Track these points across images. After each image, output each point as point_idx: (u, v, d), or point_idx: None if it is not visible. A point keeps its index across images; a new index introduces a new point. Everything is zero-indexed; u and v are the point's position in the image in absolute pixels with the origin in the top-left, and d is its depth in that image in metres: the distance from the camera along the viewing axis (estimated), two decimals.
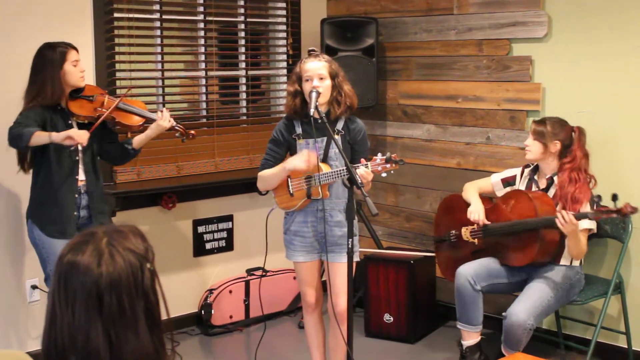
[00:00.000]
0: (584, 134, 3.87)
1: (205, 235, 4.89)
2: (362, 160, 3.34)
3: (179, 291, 4.69)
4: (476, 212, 3.93)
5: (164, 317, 1.49)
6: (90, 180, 3.73)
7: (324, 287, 3.67)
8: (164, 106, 4.51)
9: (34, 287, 4.17)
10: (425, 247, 5.00)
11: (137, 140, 3.85)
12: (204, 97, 4.96)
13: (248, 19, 5.07)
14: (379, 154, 3.32)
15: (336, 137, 3.49)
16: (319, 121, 3.38)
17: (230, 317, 4.82)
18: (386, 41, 5.12)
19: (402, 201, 5.17)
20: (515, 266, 3.88)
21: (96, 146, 3.79)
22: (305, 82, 3.45)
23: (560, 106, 4.28)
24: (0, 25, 3.97)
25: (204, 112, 4.95)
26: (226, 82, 5.20)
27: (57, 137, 3.47)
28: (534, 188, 3.93)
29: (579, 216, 3.57)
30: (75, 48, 3.69)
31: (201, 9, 4.83)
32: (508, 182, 4.07)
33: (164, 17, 4.66)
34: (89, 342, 1.38)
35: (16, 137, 3.47)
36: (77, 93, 3.73)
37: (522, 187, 3.99)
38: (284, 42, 5.27)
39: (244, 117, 5.15)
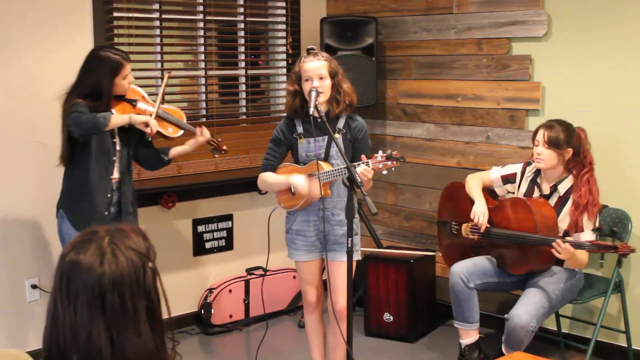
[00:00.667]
0: (587, 138, 3.84)
1: (205, 235, 4.89)
2: (363, 157, 3.34)
3: (178, 290, 4.69)
4: (479, 213, 3.89)
5: (165, 316, 1.50)
6: (123, 179, 3.79)
7: (325, 287, 3.68)
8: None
9: (33, 286, 4.17)
10: (425, 246, 5.00)
11: (174, 151, 3.94)
12: (203, 97, 4.95)
13: (248, 18, 5.07)
14: (380, 151, 3.32)
15: (337, 135, 3.49)
16: (319, 120, 3.38)
17: (230, 316, 4.83)
18: (386, 40, 5.12)
19: (402, 200, 5.17)
20: (511, 273, 3.89)
21: (132, 148, 3.84)
22: (305, 82, 3.45)
23: (559, 105, 4.28)
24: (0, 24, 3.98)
25: (204, 112, 4.94)
26: (226, 81, 5.20)
27: (136, 119, 3.64)
28: (536, 192, 3.89)
29: (576, 246, 3.57)
30: (130, 60, 3.72)
31: (201, 8, 4.83)
32: (508, 179, 4.04)
33: (163, 16, 4.66)
34: (90, 340, 1.38)
35: (93, 122, 3.51)
36: (121, 96, 3.77)
37: (523, 188, 3.96)
38: (283, 41, 5.27)
39: (244, 117, 5.15)
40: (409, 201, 5.13)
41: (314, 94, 3.38)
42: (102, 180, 3.69)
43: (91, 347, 1.38)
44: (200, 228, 4.87)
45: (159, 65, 4.66)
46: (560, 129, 3.76)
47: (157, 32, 4.66)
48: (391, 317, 4.60)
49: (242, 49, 5.10)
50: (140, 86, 4.56)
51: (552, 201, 3.81)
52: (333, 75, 3.47)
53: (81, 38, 4.22)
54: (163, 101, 3.91)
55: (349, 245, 3.22)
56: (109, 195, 3.73)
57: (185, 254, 4.82)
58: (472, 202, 4.00)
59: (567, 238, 3.62)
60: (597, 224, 3.73)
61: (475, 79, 4.67)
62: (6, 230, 4.08)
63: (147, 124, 3.64)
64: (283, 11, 5.22)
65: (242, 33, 5.08)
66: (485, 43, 4.61)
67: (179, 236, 4.78)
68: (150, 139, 3.85)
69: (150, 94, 3.98)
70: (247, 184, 4.98)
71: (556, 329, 4.38)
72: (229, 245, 5.00)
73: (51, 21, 4.11)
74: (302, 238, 3.58)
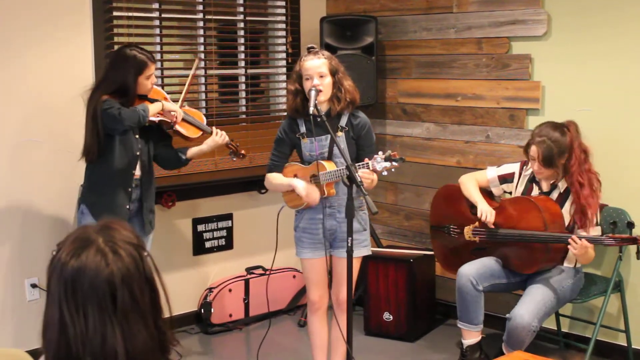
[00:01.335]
0: (578, 129, 3.80)
1: (204, 234, 4.89)
2: (365, 159, 3.34)
3: (178, 290, 4.69)
4: (487, 211, 3.86)
5: (166, 314, 1.51)
6: (144, 176, 3.85)
7: (330, 286, 3.70)
8: None
9: (33, 285, 4.17)
10: (425, 245, 4.99)
11: (192, 151, 3.98)
12: (203, 96, 4.95)
13: (247, 18, 5.07)
14: (380, 152, 3.32)
15: (340, 133, 3.50)
16: (318, 120, 3.39)
17: (230, 315, 4.83)
18: (385, 40, 5.11)
19: (402, 200, 5.17)
20: (519, 272, 3.88)
21: (152, 146, 3.90)
22: (306, 81, 3.45)
23: (559, 105, 4.28)
24: None
25: (204, 111, 4.94)
26: (225, 80, 5.20)
27: (168, 106, 3.79)
28: (535, 190, 3.89)
29: (593, 241, 3.57)
30: (155, 61, 3.81)
31: (200, 7, 4.82)
32: (505, 179, 4.03)
33: (163, 15, 4.65)
34: (105, 343, 1.39)
35: (135, 115, 3.61)
36: (143, 95, 3.84)
37: (521, 187, 3.95)
38: (283, 40, 5.26)
39: (244, 116, 5.15)
40: (408, 200, 5.13)
41: (313, 92, 3.38)
42: (125, 176, 3.77)
43: (106, 350, 1.39)
44: (200, 227, 4.87)
45: (158, 65, 4.65)
46: (552, 144, 3.71)
47: (157, 31, 4.66)
48: (391, 317, 4.60)
49: (242, 48, 5.09)
50: None
51: (553, 197, 3.82)
52: (334, 73, 3.48)
53: (81, 38, 4.22)
54: (184, 104, 4.03)
55: (349, 244, 3.25)
56: (129, 190, 3.79)
57: (185, 253, 4.82)
58: (470, 204, 3.99)
59: (582, 234, 3.63)
60: (598, 220, 3.71)
61: (475, 78, 4.67)
62: (5, 230, 4.08)
63: (175, 112, 3.81)
64: (283, 10, 5.21)
65: (242, 32, 5.08)
66: (485, 42, 4.60)
67: (179, 235, 4.78)
68: (171, 128, 3.90)
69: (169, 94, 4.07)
70: (247, 183, 4.98)
71: (556, 329, 4.38)
72: (228, 245, 5.00)
73: (51, 21, 4.10)
74: (309, 236, 3.60)
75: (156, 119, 3.83)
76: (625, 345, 4.10)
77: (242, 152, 4.14)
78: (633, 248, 4.02)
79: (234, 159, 4.15)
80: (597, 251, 4.14)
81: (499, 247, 3.93)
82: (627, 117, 4.06)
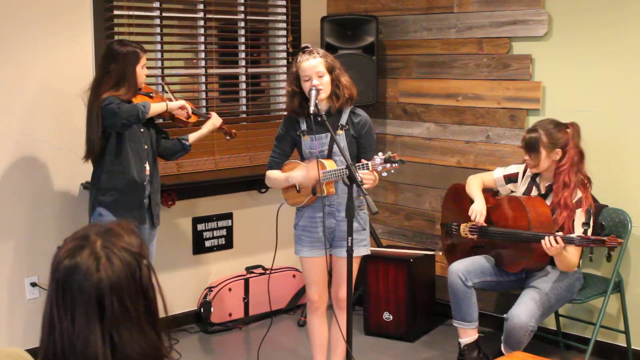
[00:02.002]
0: (579, 132, 3.80)
1: (204, 233, 4.89)
2: (362, 160, 3.34)
3: (178, 289, 4.69)
4: (477, 211, 3.90)
5: (162, 315, 1.48)
6: (152, 170, 3.90)
7: (329, 285, 3.70)
8: None
9: (33, 284, 4.17)
10: (425, 245, 5.00)
11: (193, 136, 4.13)
12: (203, 95, 4.95)
13: (248, 17, 5.07)
14: (380, 153, 3.32)
15: (340, 132, 3.50)
16: (318, 119, 3.39)
17: (230, 315, 4.83)
18: (386, 39, 5.11)
19: (402, 199, 5.17)
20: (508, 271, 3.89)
21: (154, 141, 3.95)
22: (305, 82, 3.45)
23: (560, 105, 4.28)
24: None
25: (204, 110, 4.94)
26: (226, 79, 5.20)
27: (173, 105, 3.86)
28: (534, 191, 3.90)
29: (566, 240, 3.56)
30: (145, 51, 3.87)
31: (201, 6, 4.82)
32: (510, 178, 4.05)
33: (163, 14, 4.65)
34: (87, 348, 1.36)
35: (134, 111, 3.64)
36: (146, 94, 3.94)
37: (523, 187, 3.96)
38: (284, 39, 5.26)
39: (244, 115, 5.15)
40: (408, 200, 5.13)
41: (314, 92, 3.38)
42: (140, 170, 3.81)
43: (88, 354, 1.36)
44: (200, 226, 4.87)
45: (159, 64, 4.65)
46: (543, 132, 3.73)
47: (158, 30, 4.66)
48: (391, 317, 4.60)
49: (243, 47, 5.09)
50: None
51: (549, 200, 3.82)
52: (331, 70, 3.48)
53: (81, 37, 4.21)
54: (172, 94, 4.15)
55: (349, 244, 3.25)
56: (144, 184, 3.84)
57: (185, 252, 4.82)
58: (472, 203, 4.00)
59: (557, 233, 3.62)
60: (587, 219, 3.69)
61: (476, 79, 4.67)
62: (5, 229, 4.08)
63: (183, 107, 3.88)
64: (283, 10, 5.21)
65: (242, 31, 5.08)
66: (485, 42, 4.60)
67: (179, 234, 4.77)
68: (181, 117, 3.98)
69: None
70: (247, 183, 4.98)
71: (556, 329, 4.38)
72: (228, 244, 5.00)
73: (51, 20, 4.10)
74: (308, 234, 3.60)
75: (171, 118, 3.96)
76: (625, 345, 4.10)
77: (233, 130, 4.34)
78: (632, 247, 4.05)
79: (228, 138, 4.31)
80: (597, 251, 4.15)
81: (494, 246, 3.95)
82: (628, 117, 4.06)
